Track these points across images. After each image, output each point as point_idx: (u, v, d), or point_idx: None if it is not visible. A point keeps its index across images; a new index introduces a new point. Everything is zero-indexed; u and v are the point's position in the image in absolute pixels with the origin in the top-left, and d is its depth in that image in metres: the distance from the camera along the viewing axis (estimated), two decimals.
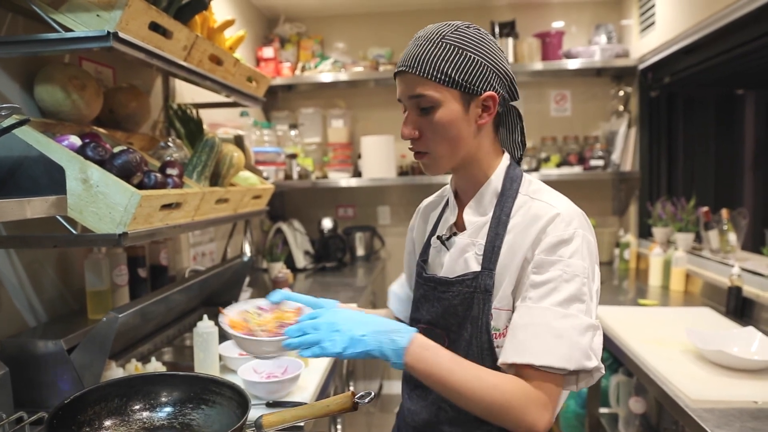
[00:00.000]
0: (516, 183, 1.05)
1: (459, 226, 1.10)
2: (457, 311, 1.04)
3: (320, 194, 3.79)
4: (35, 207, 1.05)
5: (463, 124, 1.00)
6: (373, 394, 0.87)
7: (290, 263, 3.25)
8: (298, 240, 3.37)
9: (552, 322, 0.91)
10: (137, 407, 1.06)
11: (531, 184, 1.06)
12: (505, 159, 1.08)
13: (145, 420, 1.05)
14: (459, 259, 1.06)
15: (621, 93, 3.45)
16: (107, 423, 1.01)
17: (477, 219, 1.06)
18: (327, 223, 3.44)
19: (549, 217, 0.97)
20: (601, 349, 0.94)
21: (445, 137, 1.01)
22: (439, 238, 1.13)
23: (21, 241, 1.41)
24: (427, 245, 1.18)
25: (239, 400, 1.02)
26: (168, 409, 1.08)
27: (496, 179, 1.06)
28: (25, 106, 1.49)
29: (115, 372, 1.40)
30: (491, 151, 1.07)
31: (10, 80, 1.45)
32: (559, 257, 0.94)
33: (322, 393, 1.51)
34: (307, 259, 3.39)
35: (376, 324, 0.94)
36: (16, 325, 1.47)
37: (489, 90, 0.99)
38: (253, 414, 1.18)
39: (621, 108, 3.44)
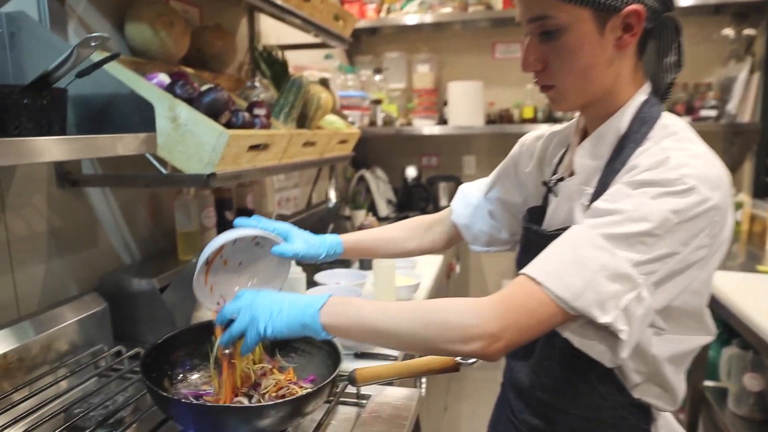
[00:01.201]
0: (647, 126, 0.83)
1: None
2: None
3: (404, 142, 3.69)
4: (126, 144, 1.02)
5: (596, 50, 0.81)
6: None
7: (372, 212, 3.21)
8: (380, 188, 3.31)
9: (583, 247, 0.74)
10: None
11: (667, 129, 0.82)
12: (642, 93, 0.87)
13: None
14: (563, 208, 0.91)
15: (743, 33, 3.05)
16: (197, 365, 1.00)
17: (590, 163, 0.87)
18: (411, 172, 3.35)
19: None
20: (639, 323, 0.74)
21: (574, 67, 0.82)
22: (545, 183, 0.98)
23: (115, 180, 1.42)
24: (536, 188, 1.04)
25: (330, 350, 0.97)
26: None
27: (623, 118, 0.86)
28: (117, 45, 1.47)
29: (205, 313, 1.40)
30: (631, 81, 0.87)
31: (102, 18, 1.44)
32: (642, 193, 0.74)
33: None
34: (390, 207, 3.33)
35: (291, 297, 0.84)
36: (113, 263, 1.50)
37: (632, 3, 0.78)
38: (343, 364, 1.14)
39: (742, 51, 3.06)
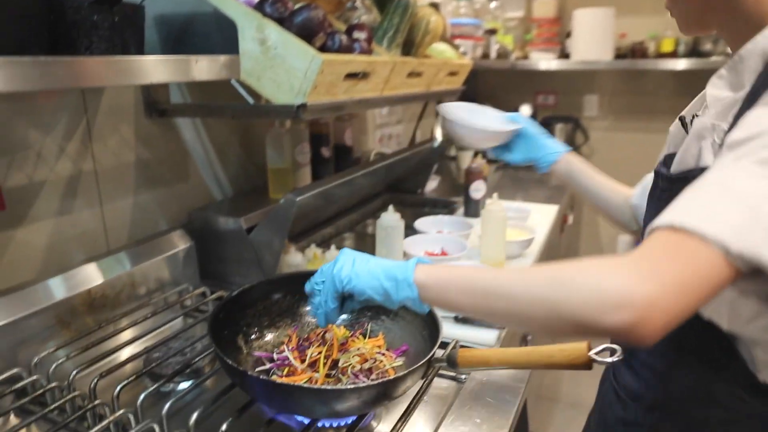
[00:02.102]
0: None
1: None
2: None
3: (519, 77, 3.37)
4: (203, 68, 0.89)
5: None
6: (619, 352, 0.59)
7: (481, 153, 2.97)
8: None
9: (733, 181, 0.55)
10: (308, 308, 0.92)
11: None
12: None
13: (315, 324, 0.91)
14: (693, 149, 0.72)
15: None
16: (275, 323, 0.89)
17: (726, 95, 0.70)
18: (525, 111, 3.05)
19: None
20: None
21: None
22: (681, 118, 0.80)
23: (201, 110, 1.33)
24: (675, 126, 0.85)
25: (427, 319, 0.82)
26: (342, 316, 0.92)
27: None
28: None
29: (294, 257, 1.30)
30: None
31: None
32: None
33: None
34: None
35: (381, 259, 0.73)
36: (204, 198, 1.44)
37: None
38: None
39: None
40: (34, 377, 0.88)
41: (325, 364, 0.78)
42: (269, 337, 0.88)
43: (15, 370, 0.90)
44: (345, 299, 0.74)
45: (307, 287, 0.77)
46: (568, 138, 3.22)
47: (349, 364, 0.77)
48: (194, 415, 0.73)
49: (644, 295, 0.50)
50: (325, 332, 0.84)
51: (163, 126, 1.29)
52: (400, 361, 0.83)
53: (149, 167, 1.27)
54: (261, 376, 0.62)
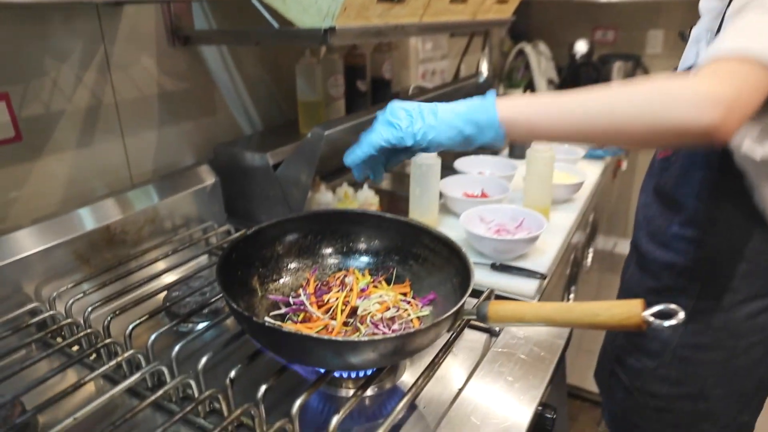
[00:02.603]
0: None
1: None
2: None
3: (575, 11, 3.11)
4: None
5: None
6: (681, 314, 0.50)
7: (531, 91, 2.79)
8: (542, 65, 2.85)
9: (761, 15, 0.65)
10: (329, 250, 0.85)
11: None
12: None
13: (336, 267, 0.85)
14: (691, 50, 0.88)
15: None
16: (292, 265, 0.83)
17: (714, 5, 0.81)
18: (580, 47, 2.83)
19: None
20: None
21: None
22: (680, 33, 0.90)
23: (226, 36, 1.25)
24: None
25: (459, 264, 0.74)
26: (365, 259, 0.85)
27: None
28: None
29: (324, 196, 1.23)
30: None
31: None
32: None
33: (561, 264, 1.17)
34: (551, 88, 2.88)
35: (449, 104, 0.71)
36: (232, 133, 1.37)
37: None
38: (476, 276, 0.92)
39: None
40: (52, 312, 0.86)
41: (342, 311, 0.71)
42: (287, 279, 0.81)
43: (35, 304, 0.88)
44: (397, 152, 0.72)
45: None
46: (627, 77, 2.98)
47: (369, 313, 0.70)
48: (203, 360, 0.69)
49: (729, 95, 0.58)
50: (345, 276, 0.77)
51: (187, 55, 1.22)
52: (426, 311, 0.75)
53: (174, 100, 1.21)
54: (267, 323, 0.56)
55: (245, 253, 0.77)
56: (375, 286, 0.77)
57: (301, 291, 0.78)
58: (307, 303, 0.73)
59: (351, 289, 0.74)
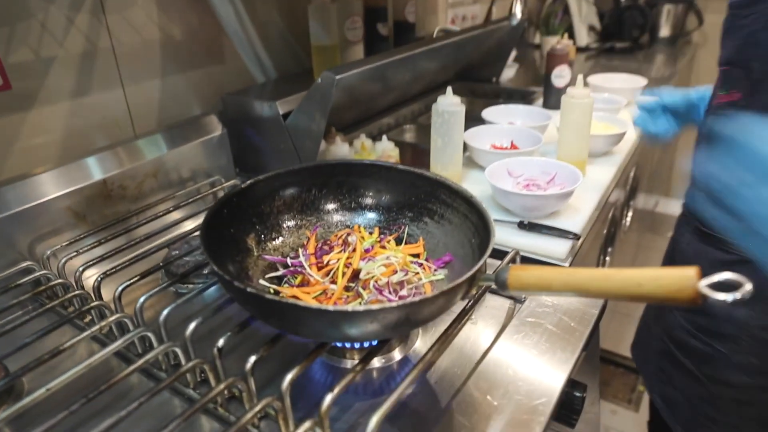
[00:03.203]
0: None
1: None
2: (759, 40, 0.74)
3: None
4: None
5: None
6: (748, 286, 0.40)
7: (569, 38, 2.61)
8: (582, 10, 2.65)
9: None
10: (333, 205, 0.76)
11: None
12: None
13: (342, 224, 0.76)
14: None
15: None
16: (292, 222, 0.74)
17: None
18: None
19: None
20: None
21: None
22: None
23: None
24: None
25: (479, 224, 0.64)
26: (374, 216, 0.76)
27: None
28: None
29: (340, 148, 1.14)
30: None
31: None
32: None
33: (597, 223, 1.06)
34: (591, 36, 2.68)
35: None
36: (243, 81, 1.28)
37: None
38: (501, 236, 0.83)
39: None
40: (44, 271, 0.81)
41: (344, 274, 0.63)
42: (287, 237, 0.74)
43: (28, 263, 0.84)
44: None
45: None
46: (677, 22, 2.75)
47: (372, 276, 0.62)
48: (191, 326, 0.62)
49: None
50: (347, 235, 0.69)
51: None
52: (440, 275, 0.67)
53: (177, 45, 1.12)
54: (249, 290, 0.49)
55: (240, 208, 0.69)
56: (383, 247, 0.69)
57: (300, 251, 0.70)
58: (306, 264, 0.66)
59: (354, 250, 0.65)
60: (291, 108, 1.09)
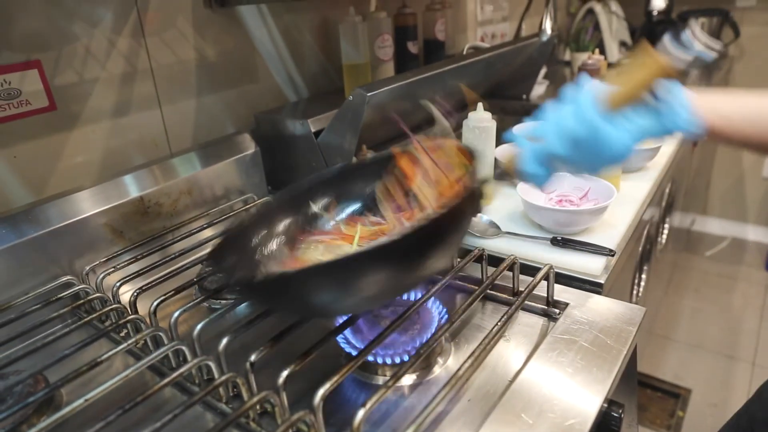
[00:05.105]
0: None
1: None
2: None
3: None
4: None
5: None
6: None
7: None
8: (613, 26, 2.63)
9: None
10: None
11: None
12: None
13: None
14: None
15: None
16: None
17: None
18: (658, 3, 2.58)
19: None
20: None
21: None
22: None
23: None
24: None
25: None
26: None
27: None
28: None
29: None
30: None
31: None
32: None
33: (631, 241, 1.04)
34: (623, 51, 2.66)
35: None
36: (276, 100, 1.31)
37: None
38: (534, 252, 0.83)
39: None
40: (83, 286, 0.83)
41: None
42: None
43: (68, 278, 0.86)
44: None
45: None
46: (713, 36, 2.71)
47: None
48: (224, 341, 0.63)
49: None
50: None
51: (225, 18, 1.15)
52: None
53: (213, 66, 1.15)
54: (239, 278, 0.49)
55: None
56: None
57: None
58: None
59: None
60: (323, 126, 1.10)
